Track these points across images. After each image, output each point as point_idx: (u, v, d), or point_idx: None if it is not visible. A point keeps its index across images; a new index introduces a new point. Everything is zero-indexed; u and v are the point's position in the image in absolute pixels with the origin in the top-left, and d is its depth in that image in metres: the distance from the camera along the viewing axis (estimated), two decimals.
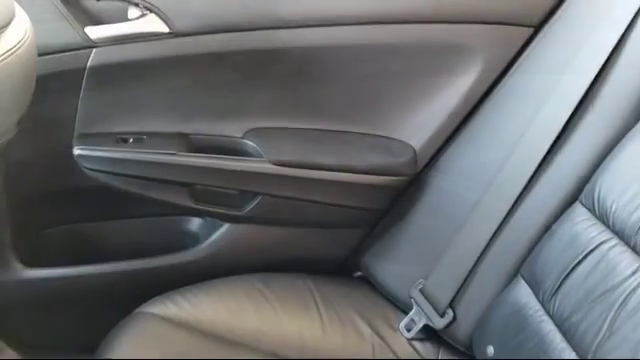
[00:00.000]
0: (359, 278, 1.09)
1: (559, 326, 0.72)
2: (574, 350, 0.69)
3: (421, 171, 1.02)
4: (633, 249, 0.68)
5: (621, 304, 0.65)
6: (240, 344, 0.86)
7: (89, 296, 1.05)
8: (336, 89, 1.00)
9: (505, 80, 0.97)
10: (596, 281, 0.69)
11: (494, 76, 0.98)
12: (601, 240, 0.72)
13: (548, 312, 0.75)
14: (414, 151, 1.02)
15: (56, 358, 1.10)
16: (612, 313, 0.65)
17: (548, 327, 0.74)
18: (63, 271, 1.04)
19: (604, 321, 0.66)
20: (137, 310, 0.87)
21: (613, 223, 0.72)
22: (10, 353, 1.14)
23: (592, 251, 0.72)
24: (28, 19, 0.72)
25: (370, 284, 1.05)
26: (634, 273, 0.66)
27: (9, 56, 0.62)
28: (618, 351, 0.63)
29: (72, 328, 1.06)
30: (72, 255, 1.06)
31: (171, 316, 0.86)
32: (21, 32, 0.66)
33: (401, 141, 1.02)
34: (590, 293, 0.69)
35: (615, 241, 0.70)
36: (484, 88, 0.98)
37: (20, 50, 0.64)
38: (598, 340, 0.66)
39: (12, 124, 0.72)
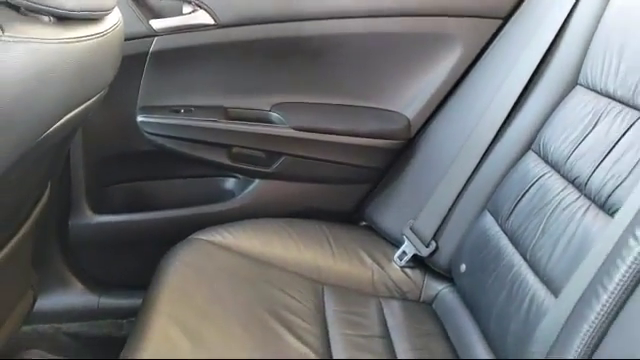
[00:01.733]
0: (364, 226, 1.33)
1: (510, 238, 0.96)
2: (518, 252, 0.92)
3: (414, 136, 1.26)
4: (562, 176, 0.91)
5: (550, 213, 0.88)
6: (270, 264, 1.10)
7: (145, 238, 1.29)
8: (345, 70, 1.25)
9: (480, 61, 1.21)
10: (536, 201, 0.93)
11: (471, 58, 1.21)
12: (542, 173, 0.95)
13: (504, 231, 0.98)
14: (408, 120, 1.26)
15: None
16: (544, 221, 0.89)
17: (503, 242, 0.97)
18: (124, 217, 1.30)
19: (538, 227, 0.89)
20: (190, 237, 1.11)
21: (551, 160, 0.95)
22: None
23: (536, 182, 0.95)
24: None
25: (373, 230, 1.29)
26: (561, 191, 0.89)
27: (109, 33, 0.86)
28: (545, 248, 0.86)
29: (132, 265, 1.29)
30: (132, 205, 1.32)
31: (216, 242, 1.11)
32: (116, 17, 0.91)
33: (397, 112, 1.26)
34: (532, 210, 0.93)
35: (551, 173, 0.94)
36: (464, 68, 1.22)
37: (116, 30, 0.89)
38: (534, 242, 0.89)
39: (102, 90, 0.97)
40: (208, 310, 0.90)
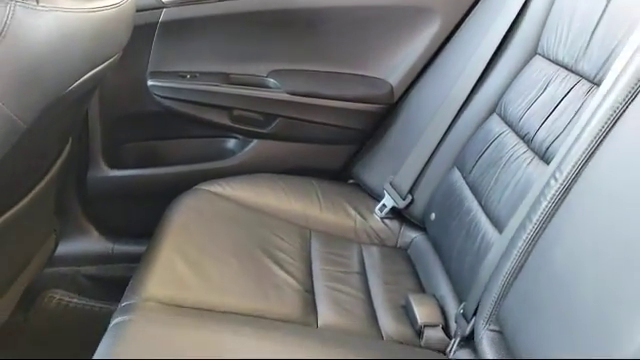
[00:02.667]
0: (351, 184, 1.47)
1: (471, 188, 1.09)
2: (476, 199, 1.06)
3: (397, 101, 1.39)
4: (516, 133, 1.04)
5: (503, 165, 1.02)
6: (263, 212, 1.24)
7: (155, 191, 1.43)
8: (334, 40, 1.38)
9: (457, 33, 1.33)
10: (494, 156, 1.06)
11: (449, 30, 1.34)
12: (501, 132, 1.08)
13: (467, 183, 1.12)
14: (391, 86, 1.39)
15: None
16: (498, 171, 1.02)
17: (466, 192, 1.11)
18: (136, 172, 1.45)
19: (493, 177, 1.03)
20: (194, 187, 1.26)
21: (508, 121, 1.08)
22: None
23: (495, 139, 1.08)
24: None
25: (358, 186, 1.43)
26: (513, 147, 1.02)
27: (123, 5, 0.99)
28: (496, 194, 1.00)
29: (142, 214, 1.42)
30: (143, 161, 1.46)
31: (217, 192, 1.25)
32: None
33: (381, 79, 1.40)
34: (490, 163, 1.06)
35: (508, 131, 1.07)
36: (442, 39, 1.34)
37: (129, 2, 1.02)
38: (488, 189, 1.03)
39: (117, 54, 1.10)
40: (208, 246, 1.05)
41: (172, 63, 1.37)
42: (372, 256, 1.21)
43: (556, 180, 0.77)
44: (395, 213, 1.30)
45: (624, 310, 0.58)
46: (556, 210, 0.76)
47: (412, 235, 1.28)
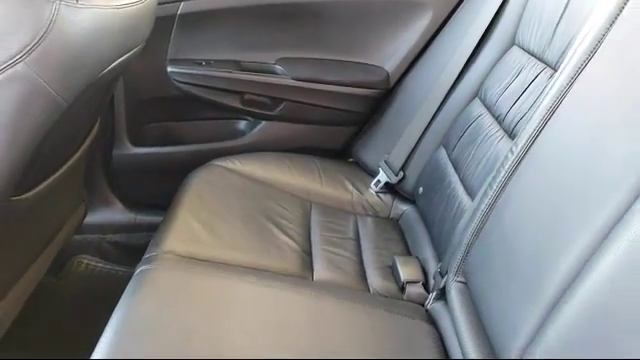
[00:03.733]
0: (350, 162, 1.61)
1: (452, 163, 1.23)
2: (456, 173, 1.20)
3: (392, 87, 1.53)
4: (492, 115, 1.17)
5: (480, 143, 1.15)
6: (269, 185, 1.39)
7: (173, 167, 1.58)
8: (335, 31, 1.51)
9: (447, 25, 1.46)
10: (473, 135, 1.19)
11: (439, 22, 1.47)
12: (480, 113, 1.21)
13: (450, 159, 1.25)
14: (387, 73, 1.53)
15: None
16: (475, 148, 1.16)
17: (448, 167, 1.24)
18: (157, 150, 1.60)
19: (470, 153, 1.16)
20: (207, 163, 1.41)
21: (487, 104, 1.21)
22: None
23: (475, 120, 1.22)
24: None
25: (357, 164, 1.57)
26: (489, 126, 1.15)
27: (146, 1, 1.14)
28: (472, 168, 1.13)
29: (162, 188, 1.57)
30: (163, 140, 1.62)
31: (228, 167, 1.40)
32: None
33: (378, 66, 1.54)
34: (469, 142, 1.19)
35: (486, 113, 1.20)
36: (433, 30, 1.48)
37: None
38: (466, 164, 1.16)
39: (141, 44, 1.25)
40: (219, 211, 1.20)
41: (189, 51, 1.52)
42: (366, 225, 1.35)
43: (512, 153, 0.91)
44: (388, 188, 1.45)
45: (552, 259, 0.72)
46: (509, 179, 0.89)
47: (403, 207, 1.42)
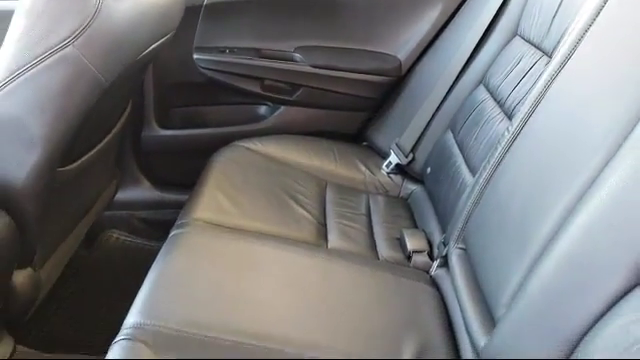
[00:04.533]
0: (364, 145, 1.71)
1: (458, 144, 1.32)
2: (461, 153, 1.29)
3: (404, 74, 1.62)
4: (494, 99, 1.27)
5: (482, 125, 1.25)
6: (287, 165, 1.49)
7: (198, 148, 1.69)
8: (351, 21, 1.61)
9: (456, 16, 1.55)
10: (477, 118, 1.29)
11: (449, 14, 1.56)
12: (484, 99, 1.31)
13: (456, 141, 1.35)
14: (400, 61, 1.62)
15: None
16: (478, 130, 1.25)
17: (454, 148, 1.34)
18: (183, 132, 1.71)
19: (474, 134, 1.26)
20: (230, 144, 1.51)
21: (490, 89, 1.30)
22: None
23: (479, 105, 1.31)
24: None
25: (370, 148, 1.67)
26: (491, 110, 1.25)
27: None
28: (474, 148, 1.23)
29: (187, 168, 1.67)
30: (189, 123, 1.73)
31: (250, 148, 1.50)
32: None
33: (391, 54, 1.63)
34: (473, 124, 1.29)
35: (489, 98, 1.29)
36: (443, 21, 1.57)
37: None
38: (469, 144, 1.26)
39: (172, 31, 1.35)
40: (242, 186, 1.31)
41: (214, 39, 1.62)
42: (377, 203, 1.45)
43: (508, 132, 1.00)
44: (399, 169, 1.54)
45: (537, 218, 0.82)
46: (505, 155, 0.99)
47: (412, 187, 1.52)
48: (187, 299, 0.91)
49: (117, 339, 0.84)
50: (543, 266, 0.76)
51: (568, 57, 0.93)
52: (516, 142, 0.97)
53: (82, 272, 1.65)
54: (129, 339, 0.82)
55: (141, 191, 1.76)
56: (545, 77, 0.96)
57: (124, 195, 1.73)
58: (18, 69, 0.97)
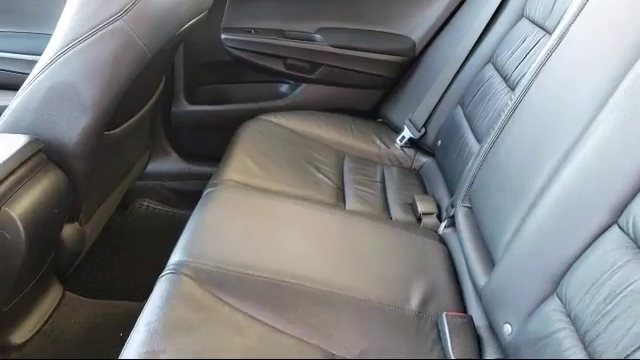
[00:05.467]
0: (379, 121, 1.82)
1: (467, 118, 1.43)
2: (468, 125, 1.40)
3: (418, 54, 1.73)
4: (500, 75, 1.37)
5: (489, 98, 1.35)
6: (309, 137, 1.61)
7: (224, 124, 1.80)
8: (369, 4, 1.73)
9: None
10: (484, 92, 1.39)
11: None
12: (491, 75, 1.41)
13: (465, 115, 1.45)
14: (414, 42, 1.73)
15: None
16: (485, 102, 1.35)
17: (463, 122, 1.44)
18: (210, 107, 1.84)
19: (481, 107, 1.36)
20: (256, 117, 1.63)
21: (497, 66, 1.41)
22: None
23: (487, 81, 1.41)
24: None
25: (384, 124, 1.78)
26: (498, 84, 1.35)
27: None
28: (481, 119, 1.33)
29: (213, 141, 1.80)
30: (216, 99, 1.85)
31: (273, 121, 1.62)
32: None
33: (406, 36, 1.74)
34: (481, 98, 1.39)
35: (496, 74, 1.39)
36: (455, 4, 1.67)
37: None
38: (477, 116, 1.36)
39: (206, 11, 1.47)
40: (267, 153, 1.43)
41: (241, 20, 1.74)
42: (391, 173, 1.56)
43: (511, 101, 1.11)
44: (412, 143, 1.66)
45: (532, 172, 0.93)
46: (508, 121, 1.10)
47: (424, 160, 1.63)
48: (222, 242, 1.04)
49: (163, 274, 0.96)
50: (535, 213, 0.88)
51: (564, 34, 1.04)
52: (517, 110, 1.08)
53: (116, 235, 1.78)
54: (174, 273, 0.95)
55: (170, 163, 1.89)
56: (544, 51, 1.07)
57: (154, 166, 1.86)
58: (73, 40, 1.10)
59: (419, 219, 1.34)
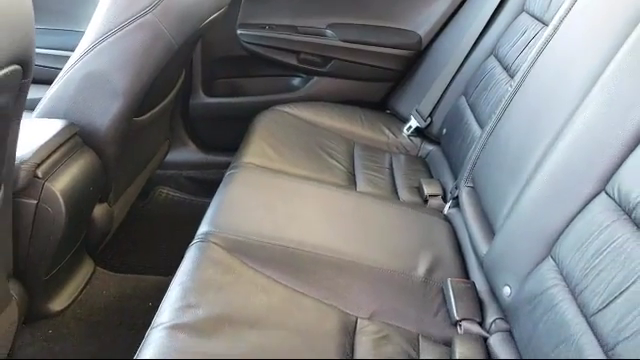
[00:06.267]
0: (388, 113, 1.91)
1: (470, 107, 1.52)
2: (472, 112, 1.49)
3: (424, 48, 1.82)
4: (501, 65, 1.46)
5: (491, 86, 1.44)
6: (321, 127, 1.70)
7: (239, 115, 1.90)
8: (377, 1, 1.81)
9: None
10: (486, 82, 1.48)
11: None
12: (493, 67, 1.50)
13: (468, 104, 1.54)
14: (420, 37, 1.83)
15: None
16: (487, 91, 1.44)
17: (467, 111, 1.53)
18: (227, 99, 1.93)
19: (484, 95, 1.45)
20: (271, 107, 1.73)
21: (499, 58, 1.50)
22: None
23: (489, 72, 1.50)
24: None
25: (393, 115, 1.87)
26: (499, 74, 1.44)
27: None
28: (483, 106, 1.42)
29: (230, 132, 1.88)
30: (232, 92, 1.95)
31: (287, 111, 1.71)
32: None
33: (412, 31, 1.84)
34: (483, 88, 1.48)
35: (498, 65, 1.48)
36: (459, 2, 1.76)
37: None
38: (479, 103, 1.45)
39: (225, 7, 1.56)
40: (283, 140, 1.52)
41: (255, 17, 1.84)
42: (399, 160, 1.65)
43: (511, 87, 1.20)
44: (418, 132, 1.75)
45: (528, 150, 1.02)
46: (507, 107, 1.19)
47: (429, 148, 1.72)
48: (245, 216, 1.13)
49: (192, 243, 1.05)
50: (531, 186, 0.97)
51: (559, 25, 1.13)
52: (516, 96, 1.17)
53: (139, 219, 1.87)
54: (203, 241, 1.04)
55: (188, 153, 1.98)
56: (541, 41, 1.16)
57: (173, 156, 1.95)
58: (106, 33, 1.19)
59: (425, 201, 1.42)
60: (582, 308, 0.78)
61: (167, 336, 0.82)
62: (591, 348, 0.73)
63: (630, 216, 0.78)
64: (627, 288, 0.72)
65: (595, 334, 0.74)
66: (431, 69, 1.77)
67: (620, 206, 0.80)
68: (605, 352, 0.71)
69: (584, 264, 0.81)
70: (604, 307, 0.74)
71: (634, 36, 0.89)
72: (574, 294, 0.81)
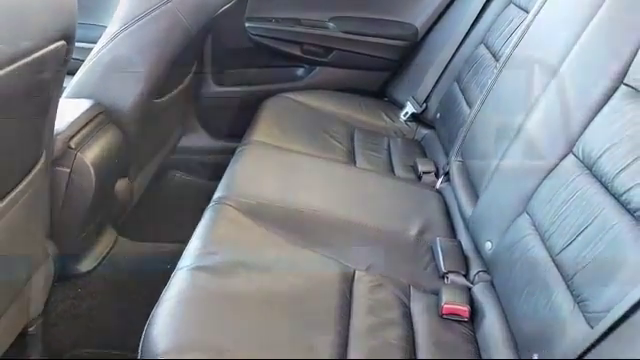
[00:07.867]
0: (386, 100, 2.04)
1: (462, 91, 1.64)
2: (464, 97, 1.61)
3: (420, 39, 1.95)
4: (490, 52, 1.58)
5: (481, 71, 1.57)
6: (323, 112, 1.83)
7: (247, 103, 2.02)
8: None
9: None
10: (477, 68, 1.60)
11: None
12: (483, 54, 1.62)
13: (460, 89, 1.67)
14: (416, 28, 1.96)
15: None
16: (478, 75, 1.57)
17: (459, 95, 1.65)
18: (235, 88, 2.06)
19: (475, 80, 1.58)
20: (277, 95, 1.86)
21: (489, 46, 1.62)
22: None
23: (479, 58, 1.62)
24: None
25: (390, 102, 2.00)
26: (488, 59, 1.56)
27: None
28: (474, 89, 1.55)
29: (238, 119, 2.00)
30: (241, 81, 2.08)
31: (292, 98, 1.84)
32: None
33: (409, 22, 1.97)
34: (475, 73, 1.60)
35: (487, 52, 1.61)
36: None
37: None
38: (470, 88, 1.58)
39: (233, 2, 1.69)
40: (287, 123, 1.66)
41: (262, 11, 1.97)
42: (396, 143, 1.77)
43: (496, 69, 1.33)
44: (414, 117, 1.87)
45: (510, 121, 1.14)
46: (493, 86, 1.32)
47: (424, 132, 1.85)
48: (256, 184, 1.26)
49: (209, 206, 1.18)
50: (510, 151, 1.10)
51: (538, 11, 1.26)
52: (500, 76, 1.30)
53: (154, 197, 1.98)
54: (219, 204, 1.17)
55: (198, 139, 2.10)
56: (522, 28, 1.29)
57: (185, 142, 2.07)
58: (131, 20, 1.32)
59: (419, 177, 1.55)
60: (549, 250, 0.91)
61: (190, 276, 0.94)
62: (555, 280, 0.86)
63: (591, 170, 0.90)
64: (585, 228, 0.85)
65: (559, 269, 0.87)
66: (426, 58, 1.90)
67: (583, 162, 0.93)
68: (566, 282, 0.84)
69: (553, 213, 0.93)
70: (567, 246, 0.86)
71: (599, 15, 1.02)
72: (544, 239, 0.93)
